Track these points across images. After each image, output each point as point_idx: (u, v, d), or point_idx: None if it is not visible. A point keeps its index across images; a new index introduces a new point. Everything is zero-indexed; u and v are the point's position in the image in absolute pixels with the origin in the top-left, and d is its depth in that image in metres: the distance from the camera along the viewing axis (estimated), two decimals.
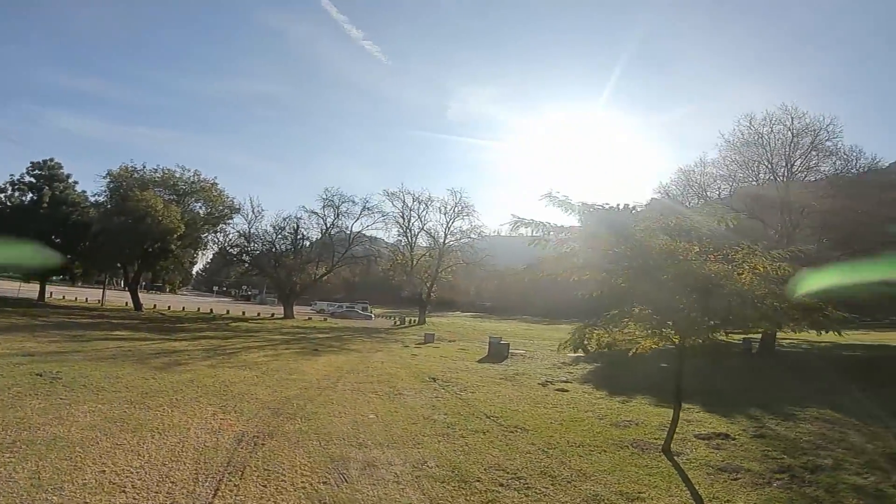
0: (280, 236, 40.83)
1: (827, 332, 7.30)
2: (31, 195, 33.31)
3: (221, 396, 9.06)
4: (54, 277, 40.09)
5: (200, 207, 38.74)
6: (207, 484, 4.95)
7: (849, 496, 5.64)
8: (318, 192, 75.56)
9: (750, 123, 25.27)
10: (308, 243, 42.28)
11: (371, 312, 48.11)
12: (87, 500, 4.43)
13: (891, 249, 23.81)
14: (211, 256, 42.08)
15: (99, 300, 39.03)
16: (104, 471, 5.11)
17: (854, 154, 24.04)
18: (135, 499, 4.53)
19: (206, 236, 39.59)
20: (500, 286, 62.61)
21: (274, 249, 40.39)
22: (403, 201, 42.36)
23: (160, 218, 30.35)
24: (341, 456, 6.14)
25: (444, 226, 42.64)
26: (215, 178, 39.55)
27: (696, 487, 5.75)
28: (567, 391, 11.87)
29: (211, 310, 40.22)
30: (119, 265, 37.49)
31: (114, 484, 4.79)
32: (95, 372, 10.40)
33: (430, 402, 9.89)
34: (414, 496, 5.04)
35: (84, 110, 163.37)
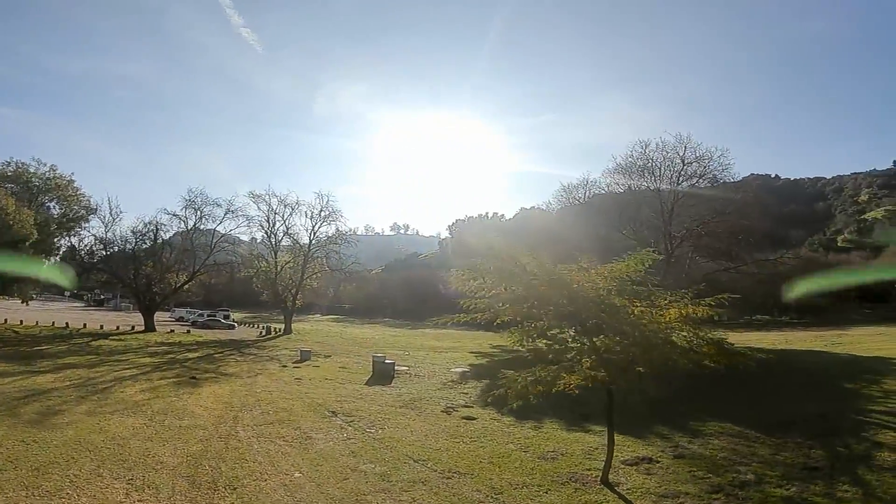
0: (140, 241, 36.70)
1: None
2: None
3: (122, 464, 7.82)
4: None
5: (55, 207, 33.78)
6: None
7: None
8: (181, 192, 67.26)
9: (644, 150, 28.07)
10: (169, 248, 37.98)
11: (233, 321, 44.60)
12: None
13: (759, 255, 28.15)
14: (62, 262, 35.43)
15: None
16: None
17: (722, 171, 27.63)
18: None
19: (58, 240, 34.84)
20: (358, 287, 62.00)
21: (134, 256, 35.98)
22: (269, 204, 39.34)
23: (11, 223, 25.27)
24: None
25: (310, 231, 40.60)
26: (72, 174, 35.03)
27: None
28: (475, 418, 11.79)
29: (67, 324, 34.25)
30: None
31: None
32: None
33: (345, 445, 9.31)
34: None
35: None
